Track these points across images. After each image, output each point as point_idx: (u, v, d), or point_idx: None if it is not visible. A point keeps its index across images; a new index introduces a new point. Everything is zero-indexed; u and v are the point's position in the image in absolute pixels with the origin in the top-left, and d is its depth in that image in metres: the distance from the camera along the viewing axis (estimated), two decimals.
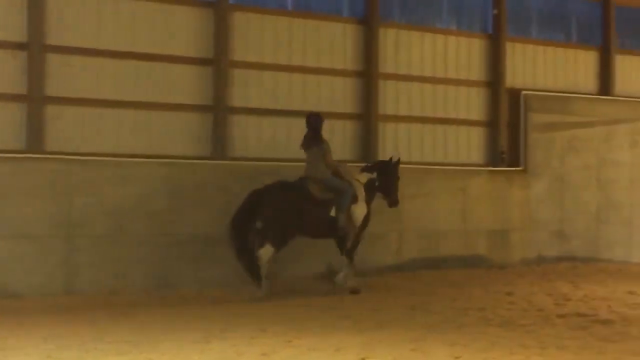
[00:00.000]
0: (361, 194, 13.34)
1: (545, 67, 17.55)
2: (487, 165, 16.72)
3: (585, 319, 10.83)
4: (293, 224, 12.63)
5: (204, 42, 14.25)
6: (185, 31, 14.14)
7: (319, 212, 12.82)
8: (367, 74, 15.59)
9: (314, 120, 13.14)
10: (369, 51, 15.58)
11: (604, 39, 18.21)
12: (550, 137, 17.03)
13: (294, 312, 11.29)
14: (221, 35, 14.32)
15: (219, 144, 14.28)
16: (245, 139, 14.59)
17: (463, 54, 16.68)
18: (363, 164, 14.19)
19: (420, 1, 16.27)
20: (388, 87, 15.86)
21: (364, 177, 13.55)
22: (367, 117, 15.59)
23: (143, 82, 13.76)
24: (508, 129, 16.92)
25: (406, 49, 16.06)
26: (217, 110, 14.29)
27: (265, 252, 12.46)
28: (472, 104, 16.78)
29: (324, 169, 12.99)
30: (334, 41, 15.40)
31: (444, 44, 16.48)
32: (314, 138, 13.07)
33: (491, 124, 16.87)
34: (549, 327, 10.21)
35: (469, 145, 16.70)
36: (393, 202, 13.78)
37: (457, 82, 16.57)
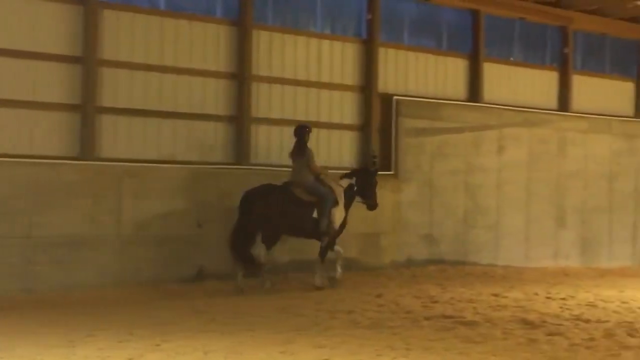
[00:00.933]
0: (341, 199, 14.42)
1: (416, 73, 17.89)
2: None
3: (451, 320, 11.09)
4: (281, 224, 13.82)
5: (72, 39, 13.95)
6: (52, 28, 13.80)
7: (303, 213, 13.98)
8: (240, 76, 15.56)
9: (300, 131, 14.30)
10: (242, 53, 15.56)
11: (473, 47, 18.68)
12: (421, 142, 17.36)
13: (163, 315, 11.18)
14: (90, 33, 14.05)
15: (87, 144, 14.01)
16: (114, 139, 14.35)
17: (337, 58, 16.85)
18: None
19: (294, 4, 16.34)
20: (261, 89, 15.88)
21: (345, 182, 14.66)
22: (239, 119, 15.56)
23: (6, 79, 13.37)
24: (380, 134, 17.16)
25: (280, 51, 16.11)
26: (85, 110, 14.01)
27: (260, 251, 13.68)
28: (345, 108, 16.96)
29: (308, 175, 14.10)
30: (207, 42, 15.32)
31: (317, 48, 16.60)
32: (299, 147, 14.20)
33: (363, 128, 17.09)
34: (416, 329, 10.41)
35: (341, 149, 16.87)
36: (372, 206, 14.96)
37: (331, 86, 16.73)
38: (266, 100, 15.95)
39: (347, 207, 14.59)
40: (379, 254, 16.69)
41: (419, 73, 17.93)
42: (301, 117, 16.27)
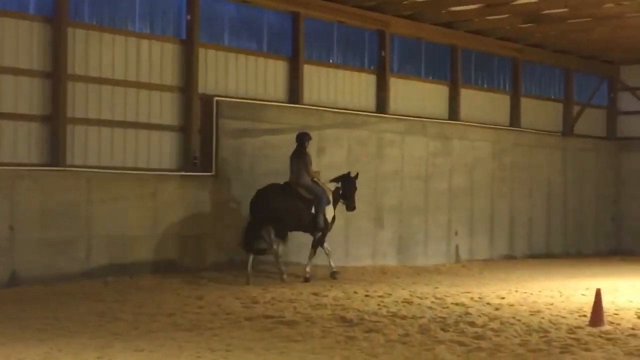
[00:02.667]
0: (330, 199, 16.68)
1: (237, 74, 17.93)
2: (180, 171, 16.82)
3: (272, 320, 11.22)
4: (291, 219, 16.02)
5: None
6: None
7: (305, 209, 16.18)
8: (55, 75, 15.15)
9: (302, 137, 16.49)
10: (57, 51, 15.16)
11: (293, 49, 18.90)
12: (242, 143, 17.40)
13: None
14: None
15: None
16: None
17: (156, 58, 16.67)
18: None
19: (112, 2, 16.04)
20: (78, 89, 15.52)
21: (332, 186, 17.00)
22: (54, 119, 15.14)
23: None
24: (201, 135, 17.12)
25: (97, 50, 15.78)
26: None
27: (278, 245, 15.96)
28: (165, 108, 16.80)
29: (306, 177, 16.28)
30: (19, 39, 14.83)
31: (136, 48, 16.37)
32: (299, 151, 16.37)
33: (184, 129, 16.99)
34: (236, 330, 10.47)
35: (161, 150, 16.71)
36: (350, 208, 17.29)
37: (150, 87, 16.54)
38: (83, 100, 15.60)
39: (334, 206, 16.86)
40: (200, 255, 16.63)
41: (240, 74, 17.99)
42: (119, 117, 16.03)
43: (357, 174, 17.38)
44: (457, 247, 21.74)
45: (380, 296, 13.96)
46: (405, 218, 20.39)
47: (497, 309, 12.62)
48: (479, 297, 14.01)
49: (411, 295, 14.10)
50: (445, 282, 16.73)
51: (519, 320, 11.51)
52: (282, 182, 16.34)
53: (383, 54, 20.72)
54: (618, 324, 11.27)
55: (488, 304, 13.25)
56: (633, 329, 10.97)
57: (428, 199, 21.14)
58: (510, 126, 23.98)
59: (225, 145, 17.17)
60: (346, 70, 20.11)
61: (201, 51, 17.22)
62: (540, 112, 25.05)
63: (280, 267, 16.05)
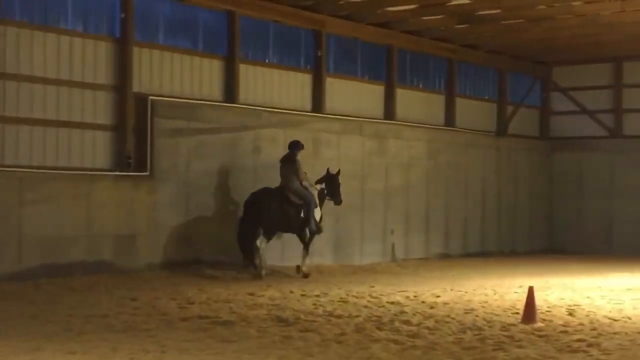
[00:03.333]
0: (317, 202, 17.69)
1: (172, 73, 17.79)
2: (114, 170, 16.63)
3: (207, 321, 11.18)
4: (280, 221, 17.12)
5: None
6: None
7: (294, 213, 17.22)
8: None
9: (293, 145, 17.51)
10: None
11: (229, 48, 18.82)
12: (177, 143, 17.28)
13: None
14: None
15: None
16: None
17: (89, 56, 16.45)
18: None
19: (43, 0, 15.80)
20: (9, 87, 15.25)
21: (318, 187, 17.97)
22: None
23: None
24: (135, 134, 16.95)
25: (28, 49, 15.53)
26: None
27: (261, 242, 16.98)
28: (98, 108, 16.60)
29: (294, 181, 17.25)
30: None
31: (69, 46, 16.14)
32: (289, 157, 17.36)
33: (118, 129, 16.80)
34: (171, 331, 10.40)
35: (95, 149, 16.50)
36: (338, 202, 18.39)
37: (83, 85, 16.32)
38: (14, 99, 15.34)
39: (320, 207, 17.86)
40: (135, 256, 16.47)
41: (175, 73, 17.85)
42: (52, 116, 15.80)
43: (339, 170, 18.36)
44: (393, 246, 21.87)
45: (316, 295, 13.99)
46: (341, 217, 20.43)
47: (432, 308, 12.73)
48: (415, 296, 14.13)
49: (347, 295, 14.15)
50: (381, 281, 16.83)
51: (454, 318, 11.63)
52: (273, 187, 17.38)
53: (319, 53, 20.74)
54: (550, 321, 11.46)
55: (423, 302, 13.37)
56: (564, 325, 11.15)
57: (364, 198, 21.24)
58: (445, 126, 24.20)
59: (160, 145, 17.03)
60: (282, 69, 20.08)
61: (135, 50, 17.05)
62: (475, 112, 25.34)
63: (260, 262, 16.90)
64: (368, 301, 13.38)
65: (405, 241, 22.24)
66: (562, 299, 14.04)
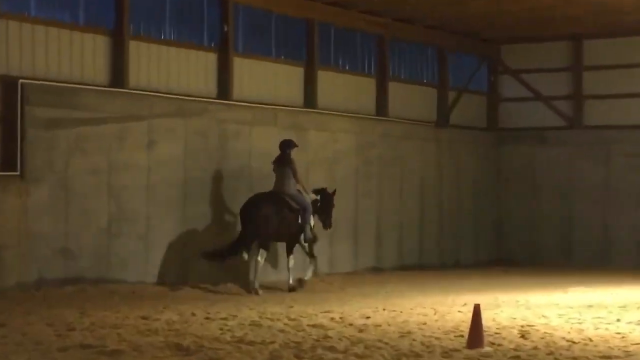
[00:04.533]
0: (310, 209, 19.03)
1: (47, 52, 17.56)
2: None
3: (91, 350, 11.04)
4: (279, 228, 18.48)
5: None
6: None
7: (292, 219, 18.60)
8: None
9: (286, 145, 18.77)
10: None
11: (116, 23, 18.62)
12: (54, 136, 17.07)
13: None
14: None
15: None
16: None
17: None
18: None
19: None
20: None
21: (313, 196, 19.29)
22: None
23: None
24: (2, 126, 16.73)
25: None
26: None
27: (261, 256, 18.37)
28: None
29: (291, 185, 18.58)
30: None
31: None
32: (283, 158, 18.59)
33: None
34: None
35: None
36: (327, 225, 19.86)
37: None
38: None
39: (313, 216, 19.19)
40: (2, 272, 16.24)
41: (51, 52, 17.63)
42: None
43: (335, 190, 19.84)
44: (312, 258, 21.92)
45: (223, 318, 13.93)
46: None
47: (361, 331, 12.77)
48: (340, 318, 14.16)
49: (260, 317, 14.13)
50: (301, 300, 16.85)
51: (387, 343, 11.68)
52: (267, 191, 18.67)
53: (226, 28, 20.68)
54: (499, 345, 11.58)
55: (351, 325, 13.40)
56: (516, 349, 11.28)
57: None
58: (376, 115, 24.39)
59: (33, 139, 16.83)
60: (181, 47, 19.99)
61: (1, 23, 16.79)
62: (411, 99, 25.58)
63: (255, 279, 18.34)
64: (285, 324, 13.37)
65: (328, 252, 22.31)
66: (514, 318, 14.22)
